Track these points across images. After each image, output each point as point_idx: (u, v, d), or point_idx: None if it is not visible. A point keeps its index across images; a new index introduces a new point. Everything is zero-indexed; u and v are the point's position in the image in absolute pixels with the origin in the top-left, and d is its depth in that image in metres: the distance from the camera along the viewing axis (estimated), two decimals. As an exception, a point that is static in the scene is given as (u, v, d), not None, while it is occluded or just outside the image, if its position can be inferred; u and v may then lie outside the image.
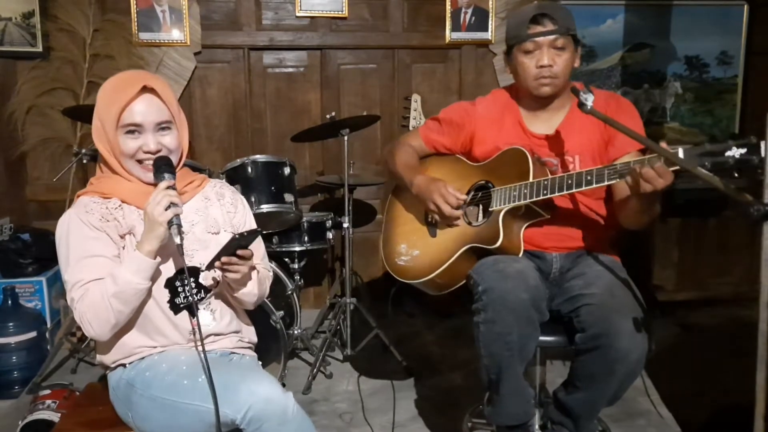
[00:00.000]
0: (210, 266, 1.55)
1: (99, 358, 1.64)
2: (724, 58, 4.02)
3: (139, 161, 1.57)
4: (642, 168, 1.59)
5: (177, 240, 1.46)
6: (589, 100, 1.65)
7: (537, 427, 2.01)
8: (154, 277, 1.52)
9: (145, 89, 1.54)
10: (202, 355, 1.43)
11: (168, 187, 1.49)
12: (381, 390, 2.86)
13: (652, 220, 1.85)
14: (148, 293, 1.53)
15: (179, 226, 1.46)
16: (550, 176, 1.84)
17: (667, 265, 4.19)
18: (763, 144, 1.40)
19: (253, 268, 1.63)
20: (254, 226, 1.78)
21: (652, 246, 4.15)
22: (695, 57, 4.01)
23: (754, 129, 1.44)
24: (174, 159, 1.59)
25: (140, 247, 1.48)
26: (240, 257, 1.53)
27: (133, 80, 1.55)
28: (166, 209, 1.45)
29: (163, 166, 1.54)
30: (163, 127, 1.57)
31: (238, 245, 1.51)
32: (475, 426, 2.33)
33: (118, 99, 1.52)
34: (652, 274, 4.15)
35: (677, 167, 1.54)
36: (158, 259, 1.50)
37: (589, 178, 1.73)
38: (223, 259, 1.51)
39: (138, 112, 1.53)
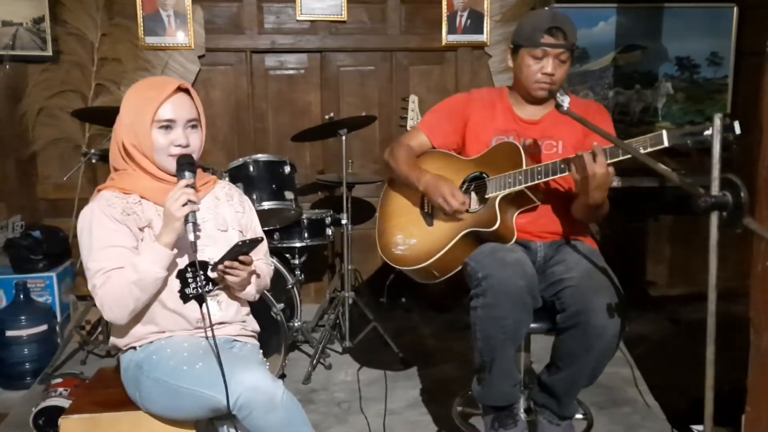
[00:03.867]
0: (214, 268, 1.67)
1: (112, 340, 1.74)
2: (715, 59, 4.08)
3: (170, 155, 1.67)
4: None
5: (191, 237, 1.58)
6: (566, 102, 1.77)
7: (522, 410, 2.12)
8: (170, 267, 1.63)
9: (180, 89, 1.67)
10: (212, 342, 1.54)
11: (187, 186, 1.60)
12: (378, 380, 2.97)
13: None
14: (163, 283, 1.63)
15: (194, 223, 1.59)
16: (541, 163, 1.96)
17: (659, 261, 4.27)
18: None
19: (252, 272, 1.75)
20: (259, 228, 1.92)
21: (645, 243, 4.25)
22: (686, 58, 4.07)
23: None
24: (195, 158, 1.71)
25: (159, 238, 1.60)
26: (241, 262, 1.66)
27: (167, 81, 1.69)
28: (183, 205, 1.57)
29: (185, 164, 1.65)
30: (192, 125, 1.69)
31: (240, 251, 1.64)
32: (465, 411, 2.43)
33: (155, 97, 1.64)
34: (645, 270, 4.25)
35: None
36: (175, 250, 1.61)
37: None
38: (226, 263, 1.64)
39: (173, 109, 1.65)
